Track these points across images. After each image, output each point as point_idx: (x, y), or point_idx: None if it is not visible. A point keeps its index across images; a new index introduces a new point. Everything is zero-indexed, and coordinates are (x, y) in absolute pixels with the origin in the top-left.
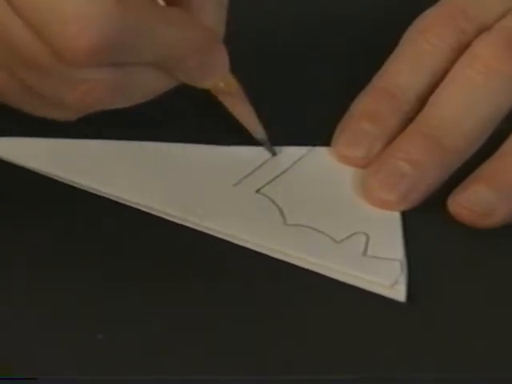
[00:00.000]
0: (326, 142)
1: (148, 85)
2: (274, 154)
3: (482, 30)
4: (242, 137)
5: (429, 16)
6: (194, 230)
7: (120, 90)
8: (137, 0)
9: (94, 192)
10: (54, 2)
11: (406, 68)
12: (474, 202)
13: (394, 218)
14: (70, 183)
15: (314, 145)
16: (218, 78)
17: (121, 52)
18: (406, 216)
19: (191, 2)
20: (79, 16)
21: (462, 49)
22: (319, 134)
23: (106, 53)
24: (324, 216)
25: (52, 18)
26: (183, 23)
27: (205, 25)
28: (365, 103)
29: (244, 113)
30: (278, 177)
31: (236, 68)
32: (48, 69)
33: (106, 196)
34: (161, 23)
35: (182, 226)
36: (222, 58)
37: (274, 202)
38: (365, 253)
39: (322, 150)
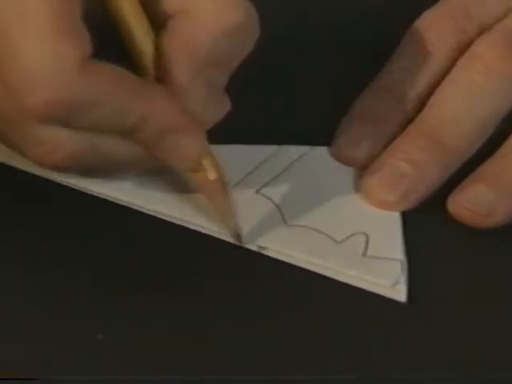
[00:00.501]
0: (326, 141)
1: (119, 158)
2: (241, 244)
3: (483, 29)
4: (241, 135)
5: (429, 16)
6: (194, 230)
7: (84, 159)
8: (105, 68)
9: (92, 193)
10: (20, 57)
11: (406, 68)
12: (474, 202)
13: (394, 218)
14: (70, 185)
15: (314, 145)
16: (190, 163)
17: (77, 115)
18: (405, 216)
19: (180, 82)
20: (39, 74)
21: (462, 49)
22: (319, 134)
23: (59, 112)
24: (324, 216)
25: (15, 72)
26: (155, 100)
27: (183, 106)
28: (366, 103)
29: (221, 205)
30: (277, 177)
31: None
32: (13, 123)
33: (104, 197)
34: (126, 96)
35: (182, 226)
36: (195, 143)
37: (273, 202)
38: (365, 253)
39: (322, 150)
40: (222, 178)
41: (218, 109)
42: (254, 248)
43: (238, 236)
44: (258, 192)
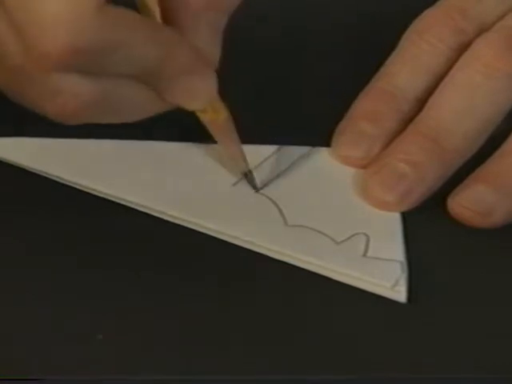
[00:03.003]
0: (326, 142)
1: (132, 103)
2: (256, 189)
3: (482, 30)
4: (241, 135)
5: (428, 16)
6: (193, 230)
7: (100, 105)
8: (121, 12)
9: (93, 192)
10: (35, 3)
11: (405, 68)
12: (473, 202)
13: (394, 219)
14: (69, 183)
15: (314, 145)
16: (204, 103)
17: (95, 60)
18: (406, 216)
19: (184, 24)
20: (56, 19)
21: (461, 49)
22: (319, 134)
23: (79, 58)
24: (324, 217)
25: (30, 19)
26: (170, 41)
27: (195, 47)
28: (364, 104)
29: (229, 143)
30: (278, 177)
31: (236, 68)
32: (28, 76)
33: (105, 196)
34: (143, 38)
35: (182, 226)
36: (208, 83)
37: (273, 202)
38: (365, 254)
39: (321, 150)
40: (229, 118)
41: (218, 49)
42: (253, 248)
43: (249, 175)
44: (258, 192)
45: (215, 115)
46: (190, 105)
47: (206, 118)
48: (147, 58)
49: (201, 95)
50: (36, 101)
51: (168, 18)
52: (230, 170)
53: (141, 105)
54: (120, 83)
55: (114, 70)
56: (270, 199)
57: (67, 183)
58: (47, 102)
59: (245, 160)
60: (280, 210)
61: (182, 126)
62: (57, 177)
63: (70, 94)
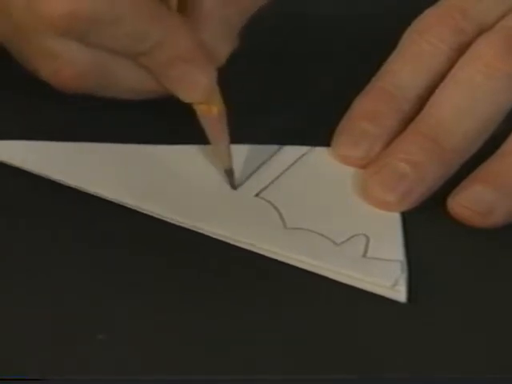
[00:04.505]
0: (326, 142)
1: (126, 80)
2: (234, 187)
3: (482, 30)
4: (241, 135)
5: (428, 16)
6: (193, 230)
7: (94, 77)
8: None
9: (93, 194)
10: None
11: (405, 68)
12: (473, 202)
13: (394, 219)
14: (70, 186)
15: (314, 145)
16: (197, 96)
17: (93, 30)
18: (405, 216)
19: (197, 16)
20: None
21: (461, 49)
22: (319, 134)
23: (77, 24)
24: (324, 218)
25: None
26: (172, 27)
27: (200, 40)
28: (364, 103)
29: (218, 138)
30: (277, 179)
31: (236, 68)
32: (28, 33)
33: (105, 198)
34: (144, 17)
35: (182, 226)
36: (204, 76)
37: (273, 205)
38: (365, 254)
39: (321, 150)
40: (223, 113)
41: (229, 47)
42: (253, 249)
43: (230, 172)
44: (257, 195)
45: (209, 108)
46: (184, 95)
47: (199, 110)
48: (146, 39)
49: (195, 87)
50: (32, 61)
51: (183, 7)
52: (214, 165)
53: (135, 86)
54: (118, 60)
55: (111, 45)
56: (270, 202)
57: (67, 185)
58: (43, 64)
59: (230, 157)
60: (279, 213)
61: (183, 129)
62: (56, 179)
63: (66, 60)
